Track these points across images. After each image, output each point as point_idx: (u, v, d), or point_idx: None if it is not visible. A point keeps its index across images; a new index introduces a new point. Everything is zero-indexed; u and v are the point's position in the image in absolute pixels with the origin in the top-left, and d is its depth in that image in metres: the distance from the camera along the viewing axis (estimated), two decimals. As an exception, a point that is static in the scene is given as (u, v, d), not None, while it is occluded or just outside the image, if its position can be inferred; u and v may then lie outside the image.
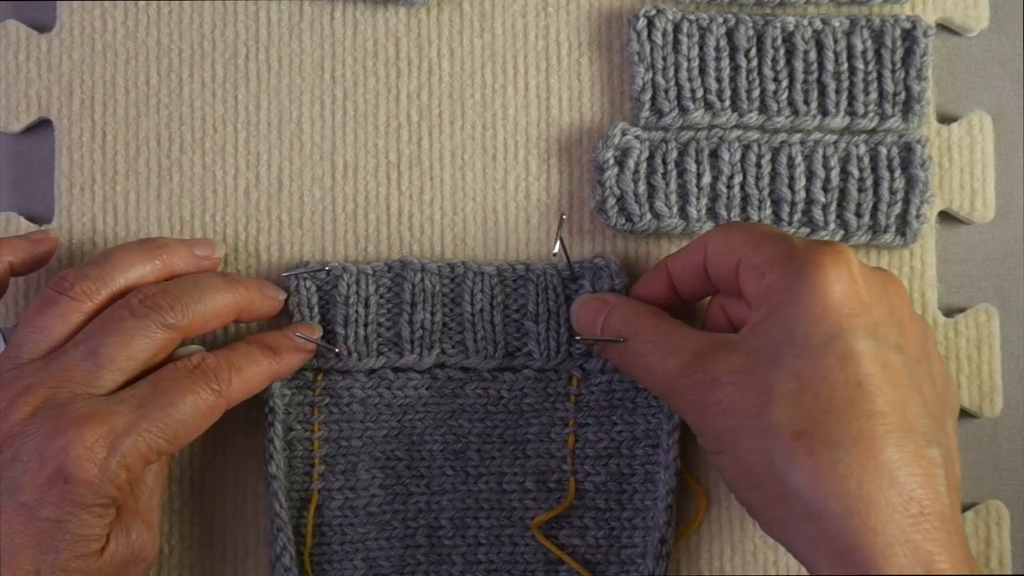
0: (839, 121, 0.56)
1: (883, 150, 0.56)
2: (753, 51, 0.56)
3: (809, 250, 0.46)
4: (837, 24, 0.56)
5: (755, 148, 0.56)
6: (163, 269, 0.52)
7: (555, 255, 0.56)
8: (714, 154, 0.56)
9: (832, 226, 0.56)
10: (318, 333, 0.54)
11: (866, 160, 0.56)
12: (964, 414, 0.56)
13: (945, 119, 0.58)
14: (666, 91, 0.56)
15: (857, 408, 0.44)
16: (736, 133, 0.56)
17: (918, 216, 0.56)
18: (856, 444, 0.43)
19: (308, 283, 0.55)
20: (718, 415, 0.46)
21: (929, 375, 0.48)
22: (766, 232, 0.48)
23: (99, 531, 0.47)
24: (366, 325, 0.55)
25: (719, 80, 0.56)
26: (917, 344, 0.48)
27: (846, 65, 0.56)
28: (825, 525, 0.43)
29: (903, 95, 0.56)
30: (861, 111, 0.56)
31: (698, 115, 0.56)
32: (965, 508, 0.56)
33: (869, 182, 0.56)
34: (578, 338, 0.54)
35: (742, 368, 0.46)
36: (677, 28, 0.56)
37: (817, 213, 0.56)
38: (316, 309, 0.55)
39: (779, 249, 0.47)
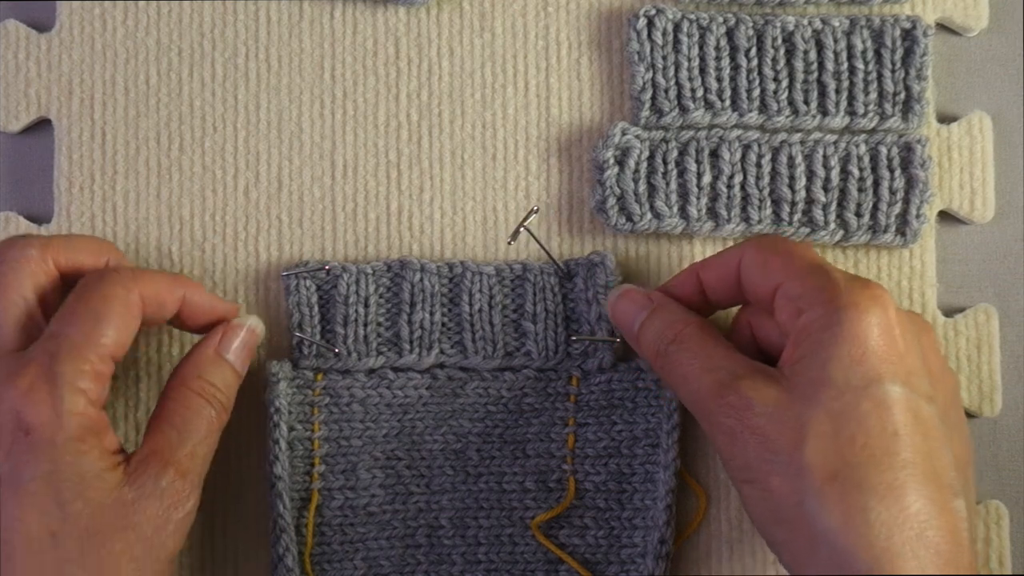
0: (839, 121, 0.56)
1: (883, 150, 0.56)
2: (753, 51, 0.56)
3: (850, 291, 0.46)
4: (837, 24, 0.56)
5: (755, 148, 0.56)
6: None
7: (510, 243, 0.56)
8: (714, 154, 0.56)
9: (832, 226, 0.56)
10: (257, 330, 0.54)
11: (866, 160, 0.56)
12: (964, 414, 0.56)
13: (945, 119, 0.58)
14: (666, 91, 0.56)
15: (891, 457, 0.43)
16: (736, 133, 0.56)
17: (918, 216, 0.56)
18: (889, 493, 0.43)
19: (308, 282, 0.55)
20: (750, 444, 0.45)
21: (959, 427, 0.48)
22: (806, 261, 0.48)
23: (93, 466, 0.46)
24: (366, 325, 0.55)
25: (719, 80, 0.56)
26: (946, 395, 0.48)
27: (846, 65, 0.56)
28: (852, 572, 0.42)
29: (903, 95, 0.56)
30: (861, 111, 0.56)
31: (698, 115, 0.56)
32: (965, 508, 0.56)
33: (869, 182, 0.56)
34: (574, 338, 0.54)
35: (778, 401, 0.45)
36: (677, 28, 0.56)
37: (817, 213, 0.56)
38: (316, 308, 0.55)
39: (819, 284, 0.46)
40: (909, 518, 0.43)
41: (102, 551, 0.46)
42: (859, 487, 0.43)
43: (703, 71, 0.56)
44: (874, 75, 0.56)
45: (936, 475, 0.44)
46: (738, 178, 0.56)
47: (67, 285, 0.51)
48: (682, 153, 0.56)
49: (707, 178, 0.56)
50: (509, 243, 0.56)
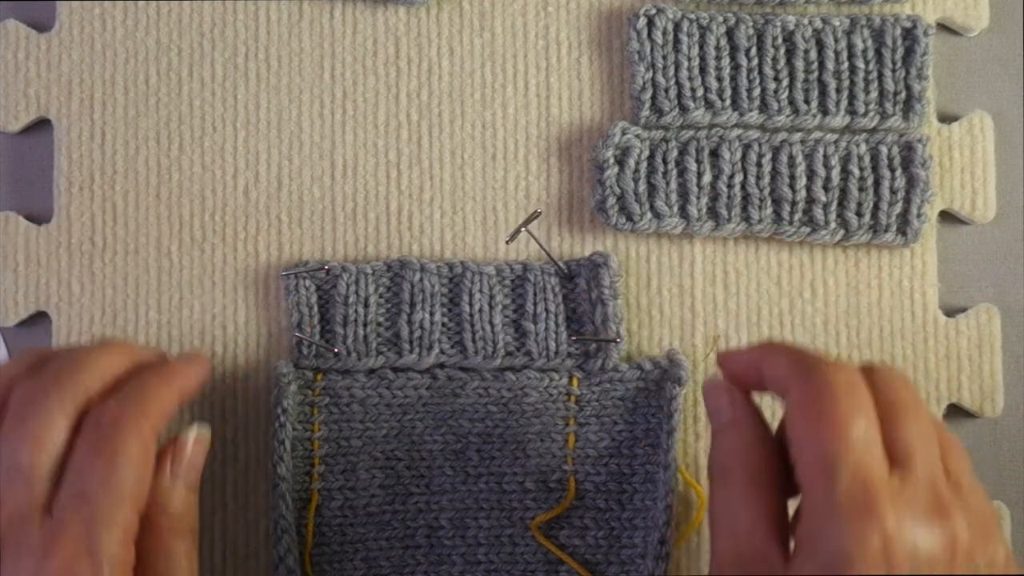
0: (840, 120, 0.56)
1: (884, 149, 0.56)
2: (753, 50, 0.56)
3: (850, 499, 0.42)
4: (837, 23, 0.56)
5: (756, 147, 0.56)
6: None
7: (508, 242, 0.56)
8: (714, 153, 0.56)
9: (832, 225, 0.56)
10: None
11: (867, 159, 0.56)
12: (965, 414, 0.56)
13: (946, 118, 0.57)
14: (666, 90, 0.56)
15: None
16: (736, 132, 0.56)
17: (919, 215, 0.56)
18: None
19: (307, 283, 0.55)
20: None
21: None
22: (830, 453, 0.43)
23: None
24: (365, 325, 0.55)
25: (719, 79, 0.56)
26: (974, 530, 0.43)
27: (846, 64, 0.56)
28: None
29: (904, 94, 0.56)
30: (862, 110, 0.56)
31: (698, 114, 0.56)
32: (966, 508, 0.56)
33: (870, 181, 0.56)
34: (575, 338, 0.54)
35: None
36: (677, 27, 0.56)
37: (818, 212, 0.56)
38: (315, 308, 0.55)
39: (827, 489, 0.42)
40: None
41: None
42: None
43: (703, 70, 0.56)
44: (875, 74, 0.56)
45: None
46: (738, 177, 0.56)
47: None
48: (682, 153, 0.56)
49: (707, 178, 0.56)
50: (507, 243, 0.56)
